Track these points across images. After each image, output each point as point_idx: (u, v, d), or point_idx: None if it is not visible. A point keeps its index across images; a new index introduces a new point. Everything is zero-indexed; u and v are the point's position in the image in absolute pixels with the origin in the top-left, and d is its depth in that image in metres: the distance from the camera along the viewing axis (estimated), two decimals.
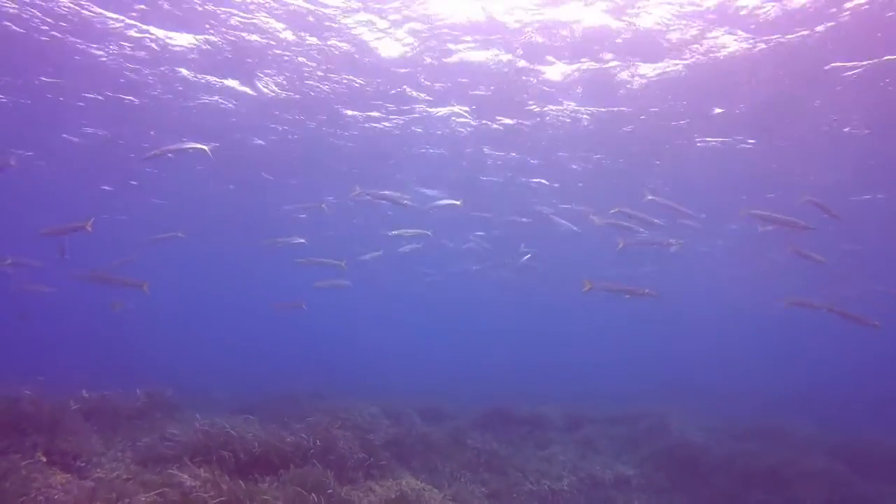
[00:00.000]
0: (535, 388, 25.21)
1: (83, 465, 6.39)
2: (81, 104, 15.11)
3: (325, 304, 47.60)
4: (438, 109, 14.95)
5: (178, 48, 12.51)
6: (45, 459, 6.10)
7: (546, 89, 13.58)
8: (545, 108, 14.53)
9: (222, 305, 50.07)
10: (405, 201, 15.13)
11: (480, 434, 14.33)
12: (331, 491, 7.91)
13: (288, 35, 11.96)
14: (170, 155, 10.96)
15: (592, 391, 24.87)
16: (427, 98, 14.36)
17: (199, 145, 10.38)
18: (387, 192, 15.54)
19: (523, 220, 21.95)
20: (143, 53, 12.69)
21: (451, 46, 12.14)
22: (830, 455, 12.52)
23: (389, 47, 12.30)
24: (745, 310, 37.77)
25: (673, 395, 22.69)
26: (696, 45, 11.43)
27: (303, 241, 16.41)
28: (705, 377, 35.43)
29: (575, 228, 19.01)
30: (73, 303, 42.40)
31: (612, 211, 13.23)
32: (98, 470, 6.14)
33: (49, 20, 11.36)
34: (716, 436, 14.50)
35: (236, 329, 56.42)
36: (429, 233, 16.45)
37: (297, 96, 14.52)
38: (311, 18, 11.38)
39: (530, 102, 14.30)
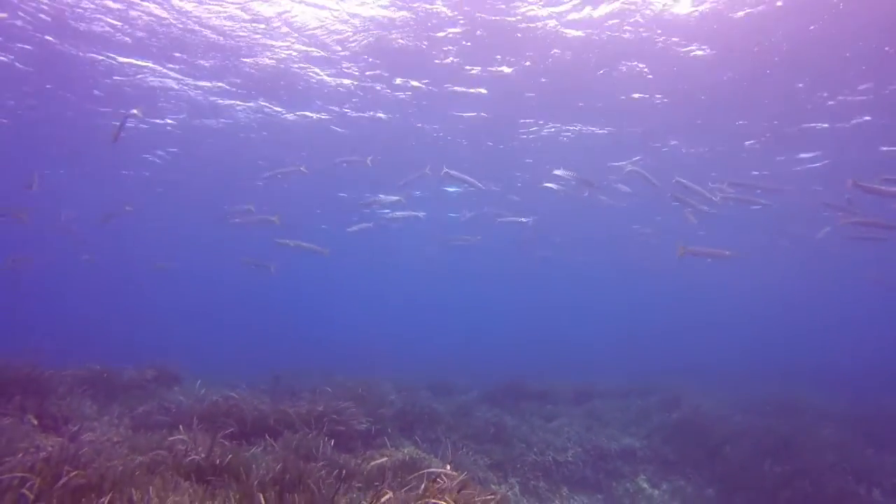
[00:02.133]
0: (550, 364, 25.14)
1: (75, 429, 6.53)
2: None
3: (339, 283, 47.80)
4: None
5: None
6: (36, 422, 6.24)
7: None
8: None
9: (240, 286, 50.74)
10: (480, 185, 15.42)
11: (489, 407, 14.34)
12: (329, 457, 7.94)
13: None
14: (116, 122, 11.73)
15: (608, 368, 24.67)
16: None
17: (131, 112, 11.53)
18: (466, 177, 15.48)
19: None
20: None
21: None
22: (845, 427, 12.22)
23: None
24: (759, 283, 37.03)
25: (691, 372, 22.44)
26: None
27: (250, 207, 17.10)
28: (727, 353, 34.93)
29: (628, 189, 18.80)
30: (96, 281, 43.33)
31: (673, 181, 13.46)
32: (90, 434, 6.27)
33: None
34: (728, 409, 14.27)
35: (254, 310, 57.18)
36: (401, 199, 16.45)
37: None
38: None
39: None
